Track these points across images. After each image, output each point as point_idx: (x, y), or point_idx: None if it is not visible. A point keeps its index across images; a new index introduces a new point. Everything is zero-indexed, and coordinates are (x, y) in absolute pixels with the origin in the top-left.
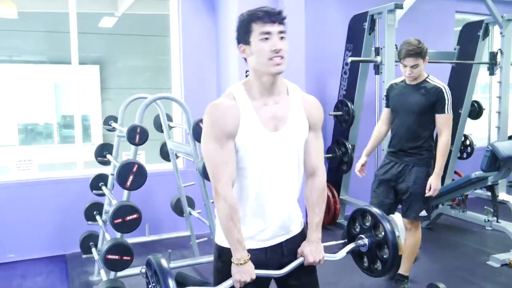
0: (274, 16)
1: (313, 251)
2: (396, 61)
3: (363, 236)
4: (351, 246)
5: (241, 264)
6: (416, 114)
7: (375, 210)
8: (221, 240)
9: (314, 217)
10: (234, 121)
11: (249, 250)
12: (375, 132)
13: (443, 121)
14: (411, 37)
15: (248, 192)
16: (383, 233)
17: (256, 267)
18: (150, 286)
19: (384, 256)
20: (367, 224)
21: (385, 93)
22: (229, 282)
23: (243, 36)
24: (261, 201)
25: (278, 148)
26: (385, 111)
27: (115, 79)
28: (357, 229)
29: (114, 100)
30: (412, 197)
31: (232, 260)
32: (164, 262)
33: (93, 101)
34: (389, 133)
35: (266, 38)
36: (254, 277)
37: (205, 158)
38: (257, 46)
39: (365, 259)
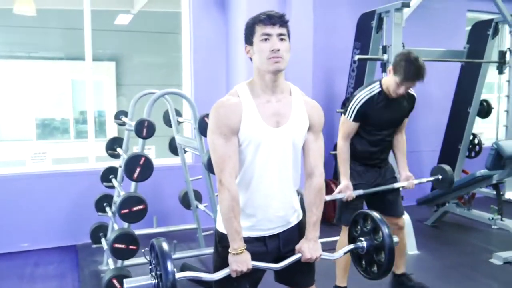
0: (275, 19)
1: (310, 248)
2: None
3: (362, 238)
4: (349, 247)
5: (237, 254)
6: (398, 126)
7: (375, 214)
8: (221, 226)
9: (312, 217)
10: (237, 117)
11: (248, 238)
12: (347, 153)
13: (404, 123)
14: (411, 51)
15: (249, 184)
16: (381, 238)
17: (254, 256)
18: (151, 267)
19: (381, 260)
20: (368, 227)
21: (358, 107)
22: (226, 271)
23: (248, 37)
24: (262, 193)
25: (278, 143)
26: (353, 126)
27: (130, 76)
28: (358, 232)
29: (129, 96)
30: (396, 193)
31: (229, 250)
32: (165, 245)
33: (109, 97)
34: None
35: (266, 39)
36: (250, 267)
37: (211, 151)
38: (258, 46)
39: (363, 261)
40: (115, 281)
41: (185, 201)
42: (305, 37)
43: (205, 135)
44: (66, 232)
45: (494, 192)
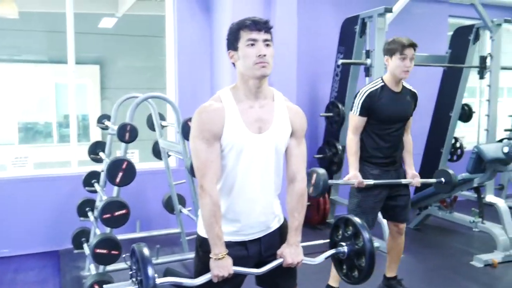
0: (260, 25)
1: (292, 253)
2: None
3: (343, 243)
4: (330, 252)
5: (219, 259)
6: (405, 121)
7: (356, 219)
8: (202, 231)
9: (294, 222)
10: (219, 122)
11: (229, 243)
12: (356, 146)
13: (409, 123)
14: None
15: (231, 190)
16: (362, 242)
17: (236, 261)
18: (131, 272)
19: (362, 265)
20: (349, 232)
21: (362, 101)
22: (207, 276)
23: (232, 42)
24: (244, 199)
25: (261, 149)
26: (360, 121)
27: (115, 79)
28: (339, 237)
29: (113, 99)
30: (407, 199)
31: (210, 255)
32: (146, 251)
33: (93, 100)
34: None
35: (252, 44)
36: (231, 272)
37: (193, 156)
38: (243, 51)
39: (344, 266)
40: (96, 287)
41: (168, 205)
42: (289, 42)
43: (188, 139)
44: (47, 238)
45: (475, 195)
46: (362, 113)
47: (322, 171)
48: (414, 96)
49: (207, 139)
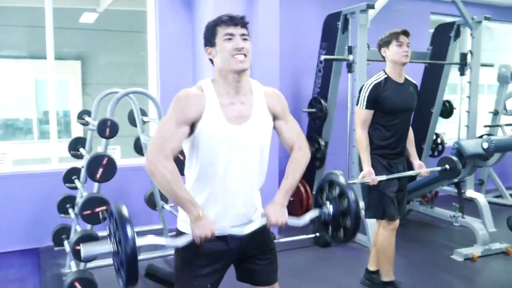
0: (237, 20)
1: (276, 212)
2: (368, 60)
3: (327, 204)
4: (315, 212)
5: (197, 220)
6: (411, 112)
7: (341, 180)
8: (182, 225)
9: (286, 184)
10: (197, 108)
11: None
12: (366, 141)
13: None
14: None
15: (211, 180)
16: (347, 203)
17: (216, 255)
18: (109, 233)
19: (347, 225)
20: (334, 193)
21: (368, 94)
22: (189, 238)
23: (209, 39)
24: (223, 189)
25: (240, 141)
26: (368, 114)
27: (96, 75)
28: (324, 198)
29: (95, 95)
30: (405, 194)
31: (189, 219)
32: (125, 211)
33: (74, 96)
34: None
35: (229, 39)
36: (214, 230)
37: (157, 131)
38: (221, 46)
39: (330, 228)
40: (77, 284)
41: (150, 202)
42: (271, 37)
43: None
44: (27, 235)
45: (456, 191)
46: (368, 106)
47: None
48: (416, 88)
49: (177, 120)
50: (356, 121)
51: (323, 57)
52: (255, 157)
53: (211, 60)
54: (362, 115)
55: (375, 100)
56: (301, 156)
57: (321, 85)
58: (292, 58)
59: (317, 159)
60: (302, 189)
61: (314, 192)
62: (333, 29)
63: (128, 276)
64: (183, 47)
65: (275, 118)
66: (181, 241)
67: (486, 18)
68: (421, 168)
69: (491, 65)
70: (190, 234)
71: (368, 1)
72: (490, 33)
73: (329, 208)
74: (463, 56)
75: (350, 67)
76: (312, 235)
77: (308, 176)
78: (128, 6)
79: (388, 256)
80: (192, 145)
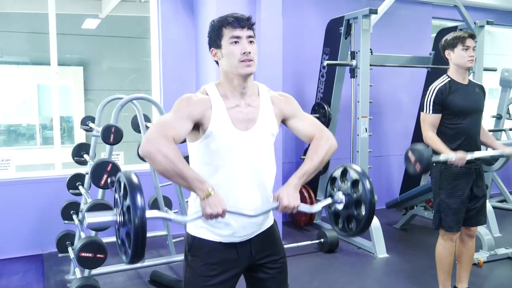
0: (243, 22)
1: (289, 194)
2: (371, 65)
3: (341, 192)
4: (328, 201)
5: (207, 196)
6: (480, 113)
7: (355, 167)
8: (193, 229)
9: (302, 167)
10: (203, 110)
11: (219, 245)
12: (436, 137)
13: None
14: None
15: (220, 188)
16: (361, 191)
17: (225, 264)
18: (116, 200)
19: (360, 215)
20: (347, 182)
21: (434, 98)
22: (198, 214)
23: (215, 40)
24: (234, 198)
25: (248, 147)
26: (435, 118)
27: (98, 81)
28: (336, 188)
29: (97, 101)
30: (484, 201)
31: (199, 197)
32: (135, 177)
33: (76, 102)
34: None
35: (236, 42)
36: (225, 208)
37: (156, 121)
38: (227, 49)
39: (341, 219)
40: None
41: (154, 208)
42: (274, 42)
43: None
44: (31, 241)
45: None
46: (435, 110)
47: (420, 146)
48: (482, 89)
49: (181, 116)
50: (423, 127)
51: (326, 62)
52: (263, 163)
53: (216, 61)
54: (429, 120)
55: (441, 104)
56: (323, 142)
57: (324, 90)
58: (295, 63)
59: None
60: (305, 194)
61: (317, 198)
62: (335, 34)
63: (135, 249)
64: (186, 53)
65: (287, 119)
66: (190, 218)
67: (488, 23)
68: (508, 149)
69: (494, 70)
70: (199, 212)
71: (371, 6)
72: (492, 37)
73: (342, 197)
74: None
75: (353, 72)
76: (317, 241)
77: (311, 181)
78: (131, 12)
79: (444, 267)
80: (198, 151)
